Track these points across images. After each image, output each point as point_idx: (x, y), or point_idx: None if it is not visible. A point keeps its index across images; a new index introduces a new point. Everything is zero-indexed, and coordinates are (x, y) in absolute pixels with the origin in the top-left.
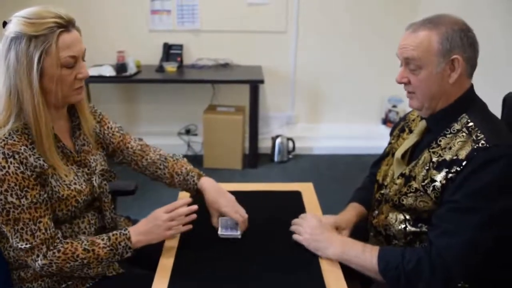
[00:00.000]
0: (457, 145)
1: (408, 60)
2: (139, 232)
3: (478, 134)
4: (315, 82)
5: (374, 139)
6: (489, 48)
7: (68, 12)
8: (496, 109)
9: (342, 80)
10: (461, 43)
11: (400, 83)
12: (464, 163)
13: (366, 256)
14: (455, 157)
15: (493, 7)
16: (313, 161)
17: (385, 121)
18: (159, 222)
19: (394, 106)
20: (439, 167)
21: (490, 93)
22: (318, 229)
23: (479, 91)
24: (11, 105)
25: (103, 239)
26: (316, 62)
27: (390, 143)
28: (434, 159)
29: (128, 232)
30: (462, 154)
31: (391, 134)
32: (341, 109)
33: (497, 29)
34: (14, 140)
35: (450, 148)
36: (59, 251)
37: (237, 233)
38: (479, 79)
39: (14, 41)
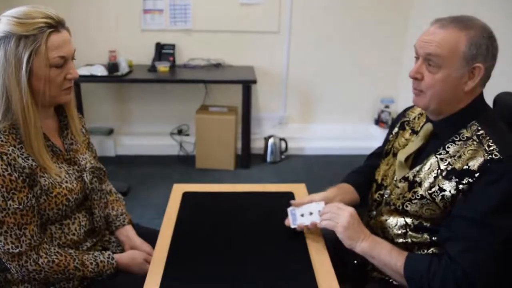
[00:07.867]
0: (467, 154)
1: (430, 56)
2: (121, 264)
3: (490, 144)
4: (307, 83)
5: (367, 139)
6: None
7: (58, 11)
8: None
9: (335, 80)
10: (486, 52)
11: (413, 78)
12: (477, 174)
13: (392, 257)
14: (466, 167)
15: (486, 13)
16: (306, 161)
17: (378, 121)
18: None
19: (387, 107)
20: (448, 175)
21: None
22: (355, 220)
23: None
24: None
25: (91, 263)
26: (309, 62)
27: (388, 140)
28: (443, 167)
29: (115, 262)
30: (474, 165)
31: (390, 131)
32: (334, 109)
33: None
34: (2, 141)
35: (460, 157)
36: (53, 261)
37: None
38: None
39: (3, 41)
